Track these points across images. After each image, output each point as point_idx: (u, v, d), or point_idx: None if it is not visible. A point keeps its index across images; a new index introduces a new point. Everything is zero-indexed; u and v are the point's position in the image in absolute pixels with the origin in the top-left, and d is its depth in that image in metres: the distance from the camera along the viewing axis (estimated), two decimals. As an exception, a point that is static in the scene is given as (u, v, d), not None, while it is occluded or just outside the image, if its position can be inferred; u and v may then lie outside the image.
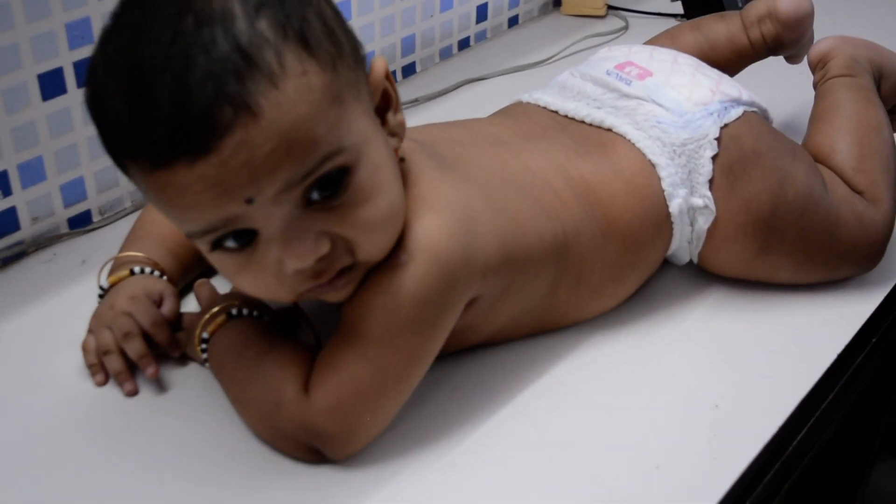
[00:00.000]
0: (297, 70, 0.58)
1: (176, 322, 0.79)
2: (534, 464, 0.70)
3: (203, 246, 0.64)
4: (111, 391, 0.76)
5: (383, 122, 0.68)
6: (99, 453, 0.71)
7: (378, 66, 0.67)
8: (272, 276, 0.64)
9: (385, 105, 0.68)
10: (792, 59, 1.04)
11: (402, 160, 0.70)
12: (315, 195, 0.61)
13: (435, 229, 0.67)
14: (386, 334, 0.67)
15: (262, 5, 0.58)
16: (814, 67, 0.97)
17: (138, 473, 0.69)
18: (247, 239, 0.62)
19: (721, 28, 1.00)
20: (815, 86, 0.96)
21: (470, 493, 0.68)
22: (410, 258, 0.66)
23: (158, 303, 0.78)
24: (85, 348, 0.77)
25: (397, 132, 0.69)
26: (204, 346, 0.74)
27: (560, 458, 0.71)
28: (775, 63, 1.05)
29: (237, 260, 0.64)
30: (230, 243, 0.62)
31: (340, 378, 0.67)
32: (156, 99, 0.56)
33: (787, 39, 0.98)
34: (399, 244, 0.67)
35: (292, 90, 0.57)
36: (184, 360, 0.78)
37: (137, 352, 0.75)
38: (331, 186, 0.61)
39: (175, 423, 0.73)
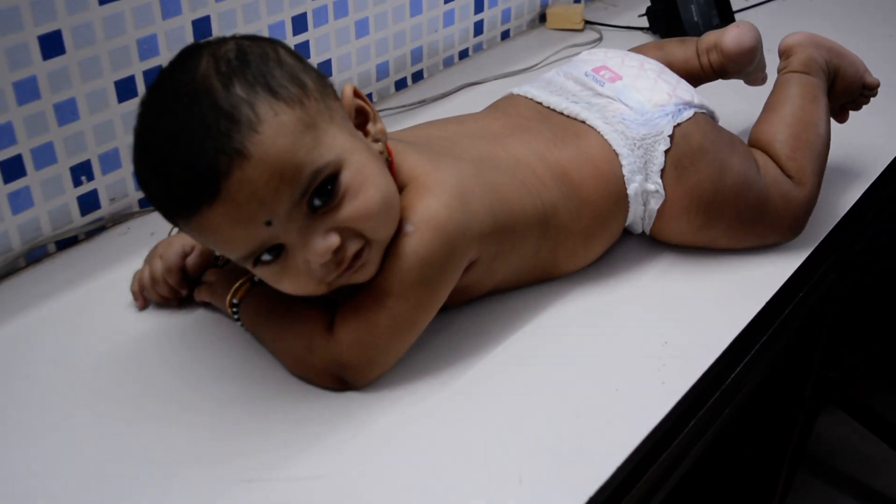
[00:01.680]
0: (270, 114, 0.64)
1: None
2: (519, 389, 0.75)
3: (247, 265, 0.70)
4: (172, 328, 0.82)
5: (366, 133, 0.74)
6: (164, 367, 0.78)
7: (346, 91, 0.73)
8: (305, 276, 0.70)
9: (364, 119, 0.74)
10: (748, 83, 1.07)
11: (388, 162, 0.74)
12: (317, 202, 0.67)
13: (434, 205, 0.73)
14: (399, 288, 0.72)
15: (233, 74, 0.65)
16: (780, 56, 0.99)
17: (197, 384, 0.76)
18: (277, 251, 0.69)
19: (679, 52, 1.03)
20: (779, 72, 0.99)
21: (466, 412, 0.73)
22: (416, 229, 0.72)
23: (189, 254, 0.83)
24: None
25: (379, 138, 0.74)
26: (234, 310, 0.79)
27: (540, 385, 0.76)
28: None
29: (275, 269, 0.70)
30: (266, 257, 0.69)
31: (361, 320, 0.72)
32: (174, 168, 0.64)
33: (730, 69, 1.02)
34: (406, 220, 0.72)
35: (270, 130, 0.64)
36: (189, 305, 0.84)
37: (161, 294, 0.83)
38: (326, 193, 0.67)
39: (231, 356, 0.79)
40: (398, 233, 0.72)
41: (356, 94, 0.74)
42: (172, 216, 0.68)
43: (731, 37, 1.01)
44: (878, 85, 1.02)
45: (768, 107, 0.97)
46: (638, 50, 1.06)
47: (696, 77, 1.04)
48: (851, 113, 1.05)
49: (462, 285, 0.78)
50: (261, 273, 0.71)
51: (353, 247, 0.69)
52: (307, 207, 0.67)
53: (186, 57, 0.68)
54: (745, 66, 1.02)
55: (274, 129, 0.64)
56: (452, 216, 0.73)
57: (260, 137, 0.64)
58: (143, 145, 0.67)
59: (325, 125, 0.68)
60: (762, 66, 1.05)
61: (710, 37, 1.03)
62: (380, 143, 0.74)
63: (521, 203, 0.80)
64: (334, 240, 0.68)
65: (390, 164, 0.75)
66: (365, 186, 0.69)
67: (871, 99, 1.04)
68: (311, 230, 0.68)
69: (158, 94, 0.67)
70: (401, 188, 0.75)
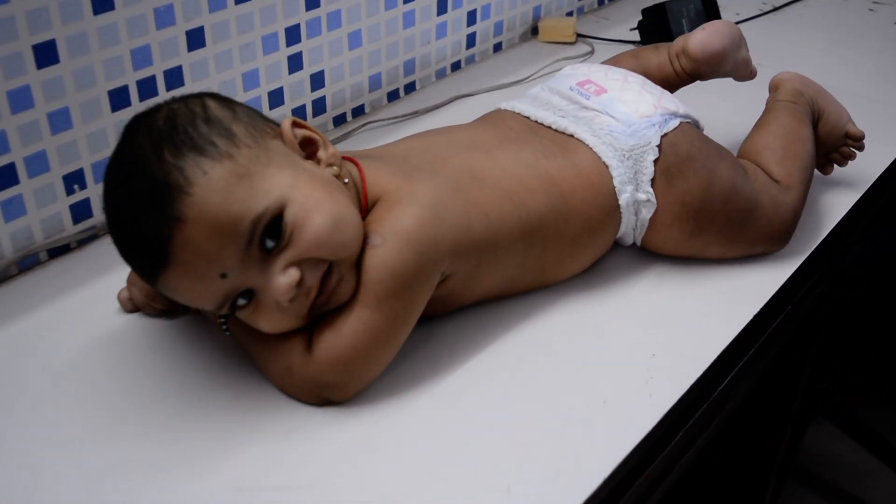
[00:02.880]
0: (199, 174, 0.66)
1: None
2: (507, 401, 0.75)
3: (227, 312, 0.72)
4: (164, 337, 0.82)
5: (318, 160, 0.75)
6: (155, 376, 0.78)
7: (284, 126, 0.74)
8: (279, 313, 0.71)
9: (314, 148, 0.75)
10: (736, 79, 1.06)
11: (344, 182, 0.75)
12: (269, 244, 0.68)
13: (404, 217, 0.73)
14: (373, 301, 0.72)
15: (162, 140, 0.68)
16: (770, 90, 1.02)
17: (187, 392, 0.76)
18: (250, 295, 0.71)
19: (653, 58, 1.03)
20: (767, 103, 1.01)
21: (454, 422, 0.73)
22: (384, 240, 0.72)
23: None
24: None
25: (332, 162, 0.75)
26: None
27: (528, 396, 0.76)
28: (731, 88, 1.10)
29: (251, 312, 0.72)
30: (241, 301, 0.71)
31: (338, 337, 0.72)
32: (128, 243, 0.69)
33: (703, 72, 1.02)
34: (375, 232, 0.72)
35: (200, 191, 0.66)
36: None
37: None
38: (276, 234, 0.69)
39: (222, 366, 0.79)
40: (366, 245, 0.72)
41: (297, 125, 0.75)
42: (144, 280, 0.72)
43: (695, 41, 1.00)
44: (862, 136, 1.03)
45: (758, 125, 1.00)
46: (614, 59, 1.07)
47: (671, 83, 1.03)
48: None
49: (443, 295, 0.78)
50: (242, 317, 0.73)
51: (315, 274, 0.70)
52: (260, 252, 0.69)
53: (129, 131, 0.72)
54: (716, 67, 1.02)
55: (204, 188, 0.66)
56: (423, 228, 0.73)
57: (192, 199, 0.66)
58: (107, 220, 0.71)
59: (259, 170, 0.69)
60: (744, 63, 1.04)
61: (679, 42, 1.02)
62: (334, 167, 0.75)
63: (503, 216, 0.80)
64: (294, 274, 0.69)
65: (362, 182, 0.76)
66: (311, 216, 0.69)
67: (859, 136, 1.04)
68: (269, 271, 0.69)
69: (110, 170, 0.71)
70: (372, 204, 0.76)
